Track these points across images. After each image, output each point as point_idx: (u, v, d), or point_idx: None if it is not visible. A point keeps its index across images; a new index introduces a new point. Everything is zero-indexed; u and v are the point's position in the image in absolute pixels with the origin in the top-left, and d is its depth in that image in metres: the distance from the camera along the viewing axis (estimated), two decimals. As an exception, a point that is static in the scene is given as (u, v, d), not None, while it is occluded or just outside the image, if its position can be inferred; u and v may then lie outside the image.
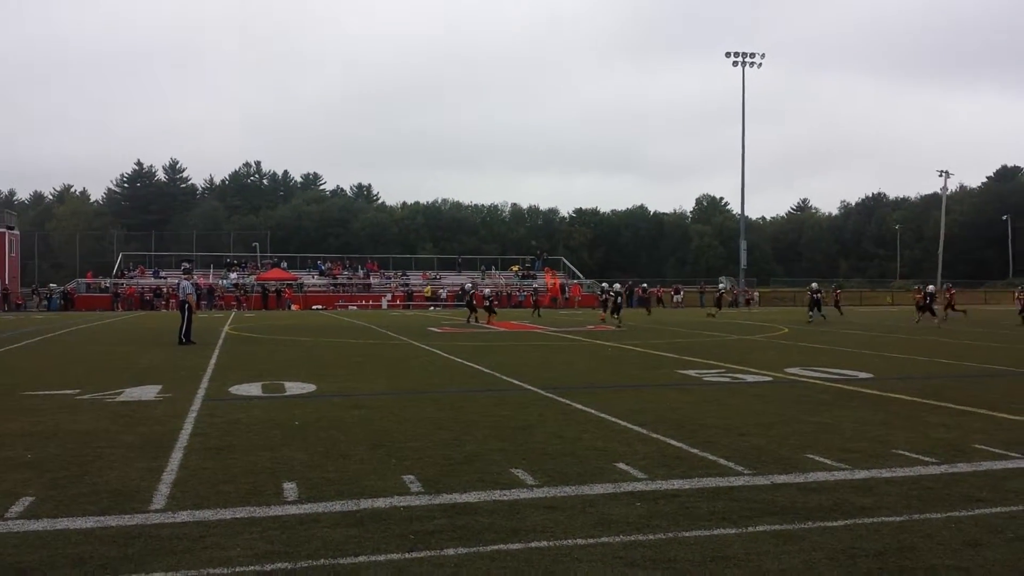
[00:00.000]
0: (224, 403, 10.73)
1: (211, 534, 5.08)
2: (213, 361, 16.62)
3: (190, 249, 74.24)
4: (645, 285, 55.06)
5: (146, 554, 4.72)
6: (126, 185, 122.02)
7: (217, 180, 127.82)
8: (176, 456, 7.36)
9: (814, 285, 35.10)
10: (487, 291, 39.05)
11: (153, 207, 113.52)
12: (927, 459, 7.25)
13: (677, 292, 62.05)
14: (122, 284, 59.58)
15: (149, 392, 11.77)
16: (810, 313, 34.24)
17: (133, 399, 11.09)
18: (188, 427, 8.87)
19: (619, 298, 32.61)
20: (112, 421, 9.28)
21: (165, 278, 61.92)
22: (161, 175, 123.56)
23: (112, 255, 72.01)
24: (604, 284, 44.16)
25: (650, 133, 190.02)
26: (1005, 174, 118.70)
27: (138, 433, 8.53)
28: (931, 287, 31.08)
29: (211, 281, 60.53)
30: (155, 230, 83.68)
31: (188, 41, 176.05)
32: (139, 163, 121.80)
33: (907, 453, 7.50)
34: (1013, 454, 7.45)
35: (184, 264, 33.72)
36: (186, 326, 21.45)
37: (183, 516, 5.47)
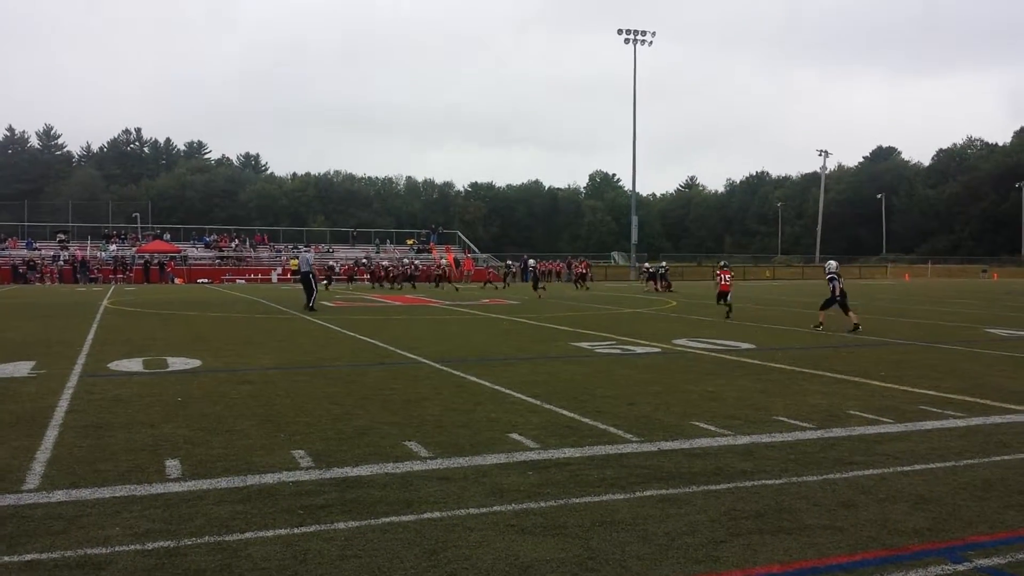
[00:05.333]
0: (102, 379, 10.30)
1: (88, 514, 4.87)
2: (91, 336, 15.91)
3: (66, 219, 70.72)
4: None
5: (19, 535, 4.50)
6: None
7: (95, 148, 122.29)
8: (51, 434, 7.03)
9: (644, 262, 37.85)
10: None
11: (26, 175, 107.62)
12: (805, 425, 7.57)
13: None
14: (-9, 256, 56.32)
15: (22, 368, 11.18)
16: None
17: (4, 376, 10.52)
18: (64, 404, 8.47)
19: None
20: (-21, 399, 8.78)
21: (39, 250, 58.87)
22: (35, 141, 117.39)
23: (-19, 225, 67.94)
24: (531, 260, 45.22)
25: (548, 109, 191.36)
26: (880, 154, 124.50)
27: (9, 411, 8.10)
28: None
29: (87, 253, 57.88)
30: (28, 199, 79.25)
31: None
32: (10, 129, 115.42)
33: (786, 419, 7.82)
34: (884, 419, 7.87)
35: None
36: (312, 294, 23.96)
37: (58, 496, 5.23)
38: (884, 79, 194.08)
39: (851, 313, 17.30)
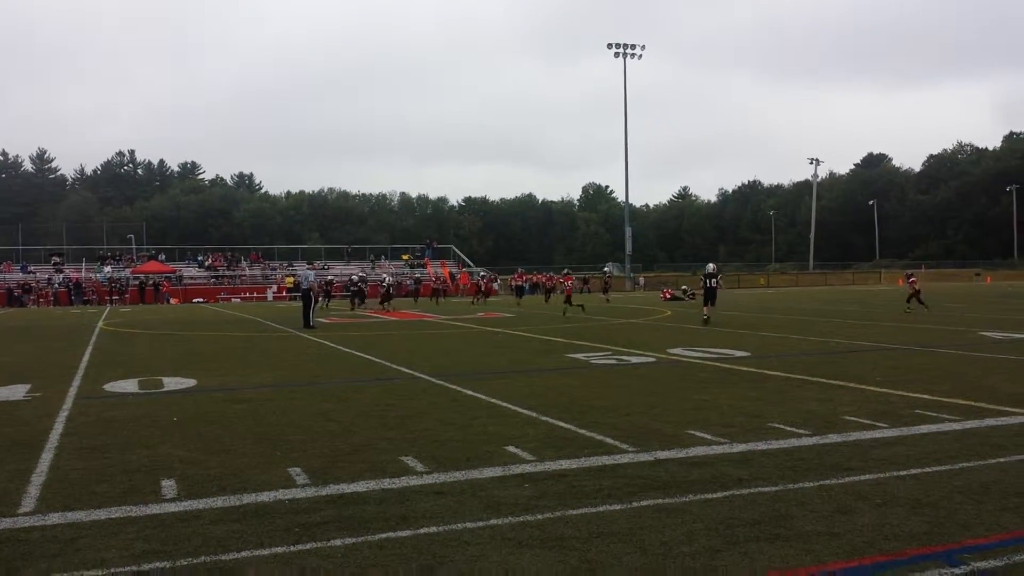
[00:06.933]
0: (98, 401, 10.28)
1: (84, 535, 4.86)
2: (86, 358, 15.88)
3: (60, 242, 70.60)
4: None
5: (14, 559, 4.49)
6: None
7: (89, 170, 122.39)
8: (46, 457, 7.01)
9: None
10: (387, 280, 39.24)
11: (20, 199, 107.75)
12: (801, 431, 7.58)
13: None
14: (-15, 280, 56.18)
15: (17, 392, 11.16)
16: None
17: (0, 399, 10.51)
18: (59, 427, 8.45)
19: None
20: (-26, 424, 8.76)
21: (34, 273, 58.80)
22: (28, 165, 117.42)
23: (-26, 250, 67.84)
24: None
25: (542, 124, 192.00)
26: (871, 161, 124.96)
27: (5, 434, 8.08)
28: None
29: (82, 275, 57.79)
30: (22, 223, 79.25)
31: (56, 23, 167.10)
32: (3, 153, 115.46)
33: (782, 426, 7.82)
34: (880, 424, 7.88)
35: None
36: (312, 311, 23.98)
37: (54, 518, 5.22)
38: (873, 87, 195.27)
39: (708, 308, 22.31)
